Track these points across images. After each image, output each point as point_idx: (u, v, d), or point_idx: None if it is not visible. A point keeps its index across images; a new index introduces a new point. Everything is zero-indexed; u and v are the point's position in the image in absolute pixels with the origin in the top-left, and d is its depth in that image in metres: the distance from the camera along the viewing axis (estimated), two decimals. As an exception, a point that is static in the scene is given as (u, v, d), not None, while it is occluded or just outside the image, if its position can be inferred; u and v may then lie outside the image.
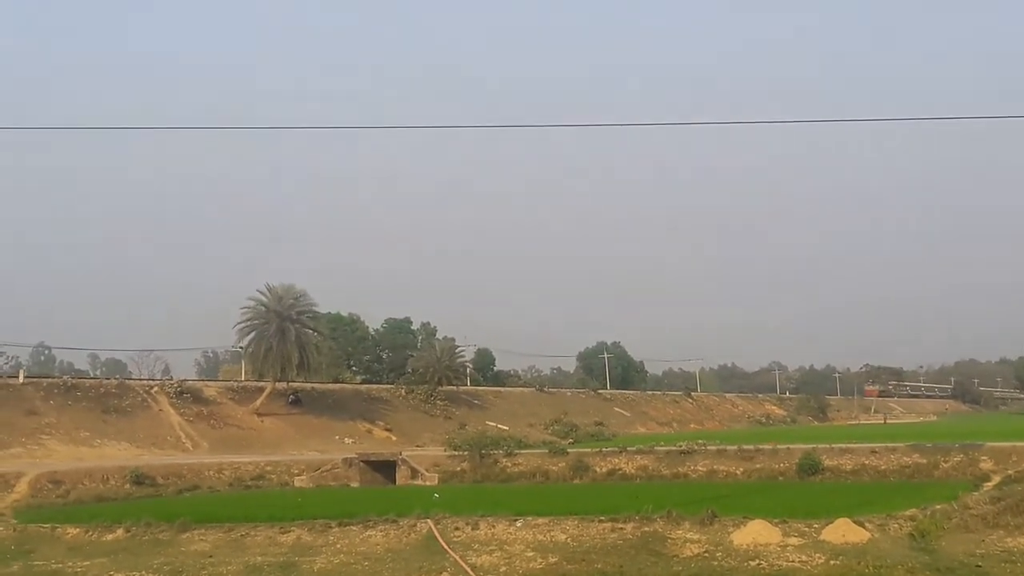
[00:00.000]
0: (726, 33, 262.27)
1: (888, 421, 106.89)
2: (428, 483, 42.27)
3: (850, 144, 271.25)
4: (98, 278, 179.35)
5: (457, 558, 22.21)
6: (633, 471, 42.50)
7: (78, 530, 26.84)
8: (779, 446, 42.93)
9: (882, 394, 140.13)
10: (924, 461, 39.10)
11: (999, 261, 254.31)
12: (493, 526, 24.59)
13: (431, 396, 75.60)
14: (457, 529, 24.59)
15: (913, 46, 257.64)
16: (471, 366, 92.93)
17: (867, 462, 39.95)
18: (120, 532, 26.31)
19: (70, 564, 23.62)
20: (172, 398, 58.52)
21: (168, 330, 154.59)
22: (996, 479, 34.23)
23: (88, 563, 23.65)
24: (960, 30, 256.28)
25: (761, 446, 43.31)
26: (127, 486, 38.71)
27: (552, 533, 23.93)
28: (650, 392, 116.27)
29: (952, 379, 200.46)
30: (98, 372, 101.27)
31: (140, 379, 68.43)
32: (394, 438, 64.14)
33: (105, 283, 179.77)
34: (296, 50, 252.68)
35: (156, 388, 60.14)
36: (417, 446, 59.12)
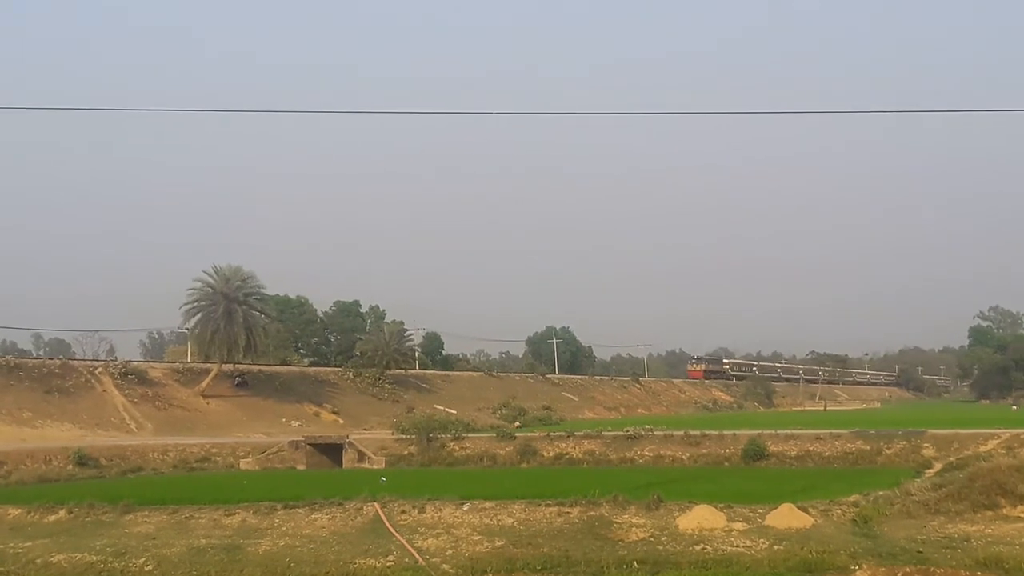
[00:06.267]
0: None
1: (827, 408, 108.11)
2: (375, 466, 42.22)
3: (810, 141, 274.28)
4: (42, 257, 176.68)
5: (403, 541, 22.11)
6: (580, 455, 42.74)
7: (20, 511, 26.37)
8: (725, 432, 43.31)
9: (707, 374, 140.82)
10: (867, 448, 39.77)
11: (942, 255, 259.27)
12: (440, 509, 24.47)
13: (379, 379, 75.28)
14: (404, 512, 24.45)
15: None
16: (419, 350, 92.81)
17: (811, 448, 40.52)
18: (63, 513, 25.87)
19: (11, 545, 23.21)
20: (117, 379, 57.75)
21: (113, 311, 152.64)
22: (938, 466, 34.79)
23: (30, 544, 23.24)
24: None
25: (707, 432, 43.65)
26: (70, 467, 38.55)
27: (499, 517, 23.88)
28: (598, 377, 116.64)
29: (896, 367, 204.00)
30: (41, 352, 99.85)
31: (84, 360, 67.43)
32: (341, 421, 63.80)
33: (49, 262, 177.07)
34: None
35: (100, 369, 59.30)
36: (364, 429, 58.84)
